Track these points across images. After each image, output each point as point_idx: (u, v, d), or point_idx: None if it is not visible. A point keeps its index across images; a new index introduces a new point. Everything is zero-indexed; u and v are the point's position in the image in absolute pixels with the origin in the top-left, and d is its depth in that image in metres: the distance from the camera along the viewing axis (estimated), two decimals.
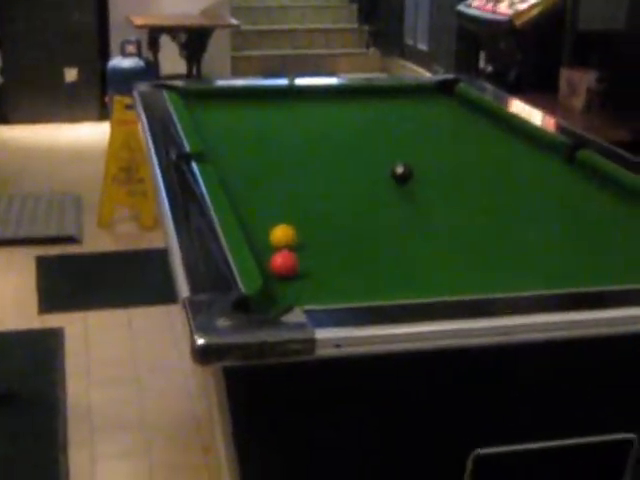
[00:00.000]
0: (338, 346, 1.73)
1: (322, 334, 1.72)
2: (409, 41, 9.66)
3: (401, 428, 1.89)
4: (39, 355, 4.00)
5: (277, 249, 2.17)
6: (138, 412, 3.59)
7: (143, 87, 3.93)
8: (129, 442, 3.41)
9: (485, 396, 1.89)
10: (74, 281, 4.78)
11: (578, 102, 5.36)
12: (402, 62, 9.69)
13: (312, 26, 10.39)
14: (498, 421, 1.93)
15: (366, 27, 10.41)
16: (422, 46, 9.30)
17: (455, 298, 1.92)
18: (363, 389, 1.82)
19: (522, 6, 5.89)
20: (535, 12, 5.85)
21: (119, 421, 3.54)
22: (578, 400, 1.97)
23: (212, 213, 2.36)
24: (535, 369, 1.90)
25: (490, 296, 1.94)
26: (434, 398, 1.87)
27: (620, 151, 3.08)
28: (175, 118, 3.32)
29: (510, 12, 5.90)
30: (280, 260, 2.09)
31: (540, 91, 5.55)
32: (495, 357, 1.84)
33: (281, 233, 2.24)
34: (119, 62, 7.42)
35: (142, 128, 3.31)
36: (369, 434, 1.88)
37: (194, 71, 7.77)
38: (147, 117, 3.40)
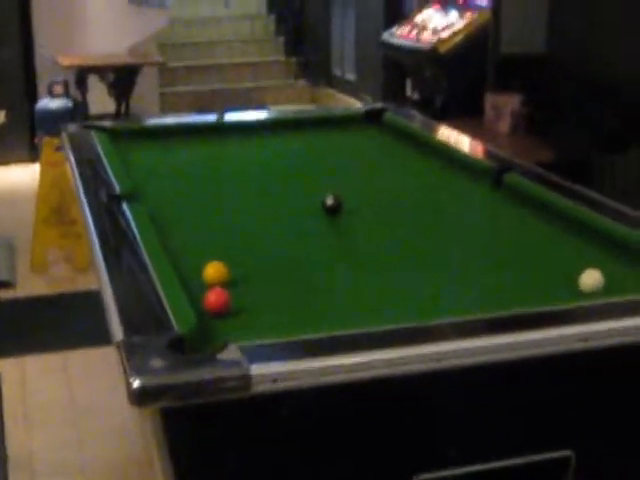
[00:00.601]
0: (275, 381, 1.74)
1: (258, 370, 1.72)
2: (337, 71, 9.74)
3: (343, 456, 1.89)
4: None
5: (210, 286, 2.17)
6: (78, 456, 3.53)
7: (72, 128, 3.91)
8: None
9: (422, 422, 1.91)
10: (9, 326, 4.70)
11: (503, 126, 5.44)
12: (331, 92, 9.75)
13: (240, 60, 10.43)
14: (436, 446, 1.95)
15: (293, 59, 10.47)
16: (350, 76, 9.37)
17: (387, 327, 1.93)
18: (303, 422, 1.83)
19: (445, 33, 5.98)
20: (458, 39, 5.94)
21: (59, 466, 3.49)
22: (514, 420, 1.99)
23: (144, 253, 2.35)
24: (469, 393, 1.92)
25: (420, 324, 1.95)
26: (372, 426, 1.88)
27: (545, 173, 3.13)
28: (104, 159, 3.30)
29: (433, 40, 5.99)
30: (213, 297, 2.09)
31: (466, 116, 5.62)
32: (429, 383, 1.86)
33: (213, 270, 2.24)
34: (47, 103, 7.34)
35: (71, 170, 3.29)
36: (313, 464, 1.88)
37: (123, 109, 7.74)
38: (76, 159, 3.37)
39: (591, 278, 2.21)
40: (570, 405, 2.02)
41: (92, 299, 4.56)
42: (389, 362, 1.81)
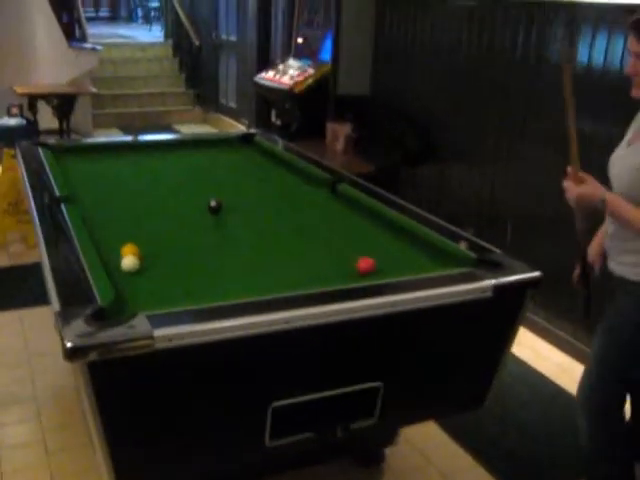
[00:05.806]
0: (171, 340, 1.73)
1: (159, 332, 1.71)
2: (223, 100, 9.60)
3: (219, 393, 1.90)
4: None
5: (125, 255, 2.21)
6: (31, 388, 3.42)
7: (24, 144, 3.74)
8: (24, 411, 3.24)
9: (278, 367, 1.93)
10: None
11: (339, 146, 5.47)
12: (218, 116, 9.61)
13: (153, 90, 10.19)
14: (288, 383, 1.97)
15: (191, 91, 10.29)
16: (232, 104, 9.26)
17: (248, 300, 1.92)
18: (193, 369, 1.82)
19: (299, 78, 5.96)
20: (308, 82, 5.93)
21: (15, 396, 3.36)
22: (343, 363, 2.03)
23: (76, 243, 2.29)
24: (311, 346, 1.95)
25: (273, 296, 1.95)
26: (240, 371, 1.88)
27: (365, 183, 3.17)
28: (47, 169, 3.19)
29: (290, 82, 5.96)
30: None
31: (313, 138, 5.62)
32: (281, 339, 1.87)
33: (128, 248, 2.25)
34: (6, 121, 7.04)
35: (22, 178, 3.16)
36: (197, 397, 1.88)
37: (65, 126, 7.44)
38: (26, 169, 3.24)
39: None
40: (380, 351, 2.07)
41: (41, 270, 4.39)
42: (250, 325, 1.82)
